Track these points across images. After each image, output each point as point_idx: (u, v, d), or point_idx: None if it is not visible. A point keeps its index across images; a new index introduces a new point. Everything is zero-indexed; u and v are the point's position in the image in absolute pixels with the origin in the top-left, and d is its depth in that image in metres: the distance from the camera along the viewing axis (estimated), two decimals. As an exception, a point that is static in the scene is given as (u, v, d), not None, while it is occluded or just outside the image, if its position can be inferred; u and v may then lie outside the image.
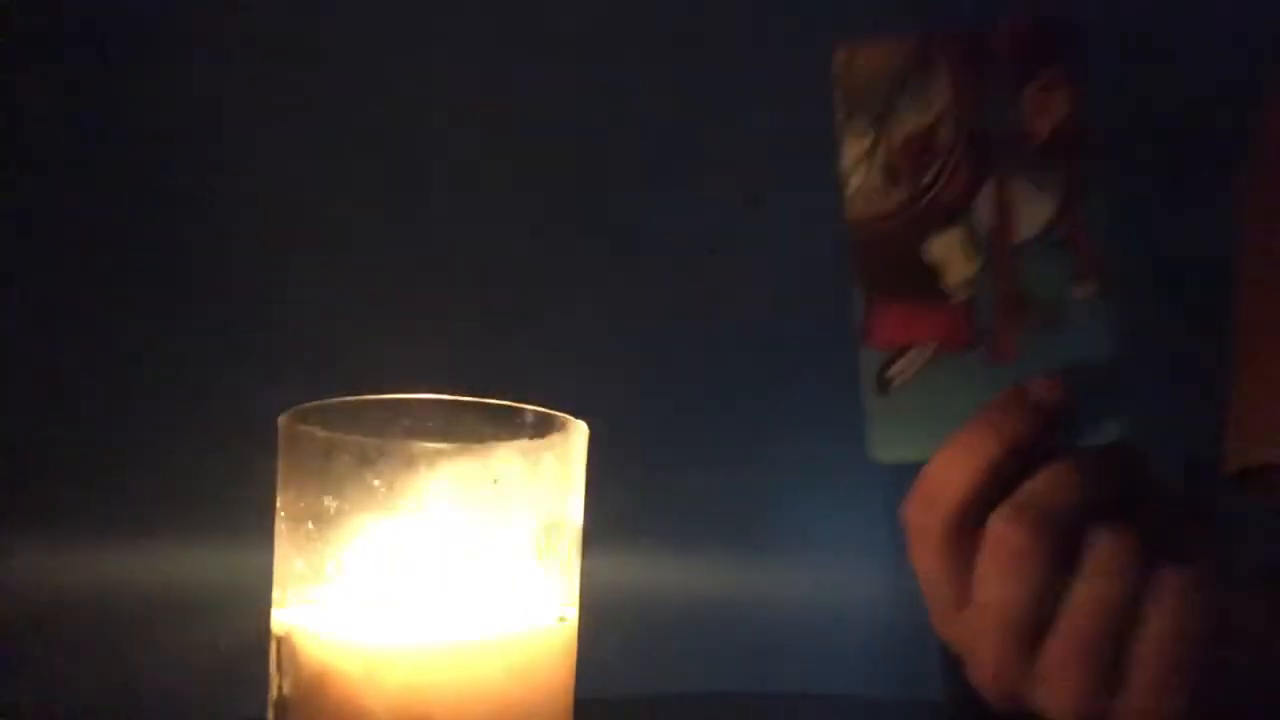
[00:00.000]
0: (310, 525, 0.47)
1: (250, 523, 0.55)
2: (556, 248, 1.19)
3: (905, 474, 0.54)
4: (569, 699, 0.50)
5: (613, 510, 0.63)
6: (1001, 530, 0.48)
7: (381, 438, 0.48)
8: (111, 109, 1.10)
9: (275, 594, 0.49)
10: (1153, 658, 0.48)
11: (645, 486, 1.14)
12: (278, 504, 0.48)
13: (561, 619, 0.49)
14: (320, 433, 0.47)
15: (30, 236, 1.09)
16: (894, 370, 0.52)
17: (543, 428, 0.51)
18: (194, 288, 1.11)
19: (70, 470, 1.08)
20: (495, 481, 0.47)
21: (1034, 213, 0.51)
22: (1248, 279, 0.79)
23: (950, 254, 0.52)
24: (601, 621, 0.56)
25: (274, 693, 0.48)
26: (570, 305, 1.18)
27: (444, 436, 0.50)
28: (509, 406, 0.52)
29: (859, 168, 0.52)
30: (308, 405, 0.49)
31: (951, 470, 0.49)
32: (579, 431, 0.50)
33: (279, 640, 0.48)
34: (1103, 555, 0.48)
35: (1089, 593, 0.48)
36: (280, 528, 0.48)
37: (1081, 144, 0.51)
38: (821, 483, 1.18)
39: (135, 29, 1.10)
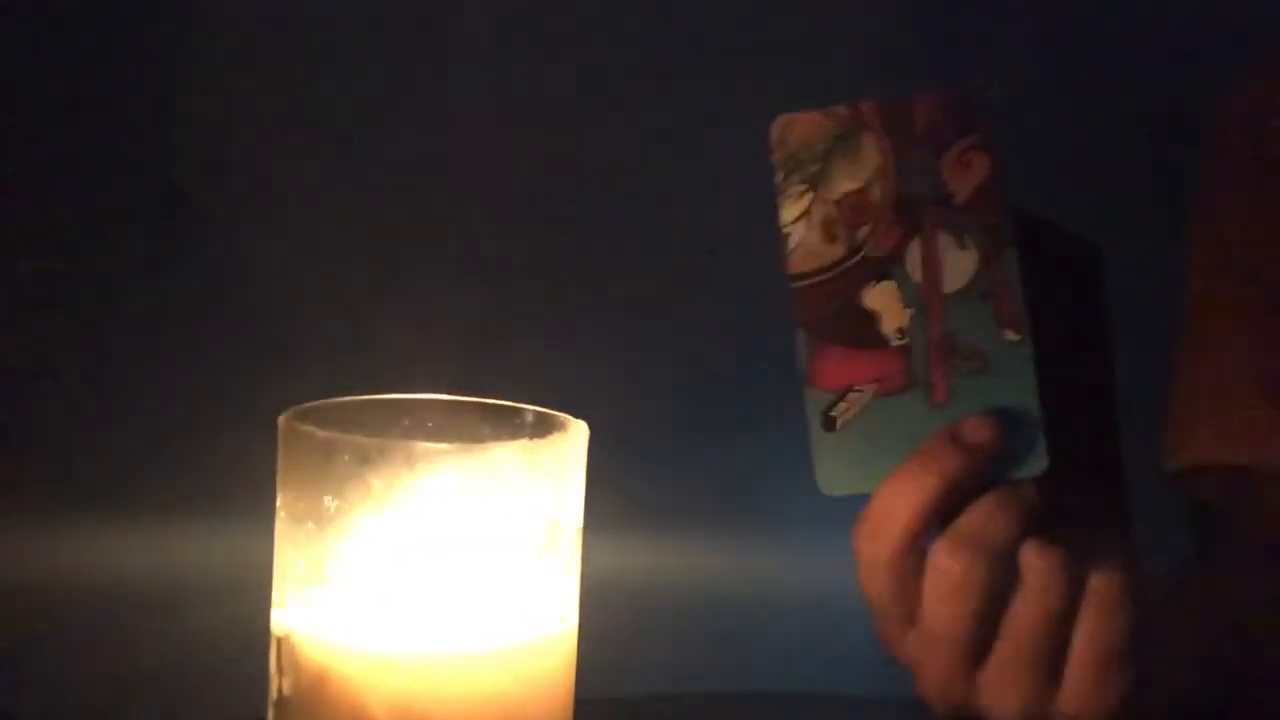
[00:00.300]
0: (310, 525, 0.47)
1: (250, 522, 0.55)
2: (556, 248, 1.19)
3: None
4: (569, 699, 0.50)
5: (613, 510, 0.63)
6: (943, 561, 0.54)
7: (381, 438, 0.48)
8: (113, 106, 1.10)
9: (275, 594, 0.49)
10: (1086, 660, 0.54)
11: (645, 486, 1.14)
12: (278, 504, 0.48)
13: (562, 620, 0.49)
14: (320, 433, 0.47)
15: (32, 234, 1.09)
16: (838, 410, 0.57)
17: (543, 428, 0.51)
18: (194, 287, 1.11)
19: (69, 470, 1.08)
20: (495, 481, 0.47)
21: (958, 268, 0.57)
22: (1193, 285, 0.81)
23: (885, 304, 0.57)
24: (601, 621, 0.56)
25: (274, 693, 0.48)
26: (570, 305, 1.18)
27: (444, 436, 0.50)
28: (509, 406, 0.52)
29: (798, 225, 0.58)
30: (308, 405, 0.49)
31: (895, 504, 0.55)
32: (579, 431, 0.50)
33: (279, 640, 0.48)
34: (1036, 573, 0.54)
35: (1026, 609, 0.54)
36: (280, 528, 0.48)
37: (997, 206, 0.57)
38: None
39: (140, 26, 1.10)
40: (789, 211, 0.58)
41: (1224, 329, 0.81)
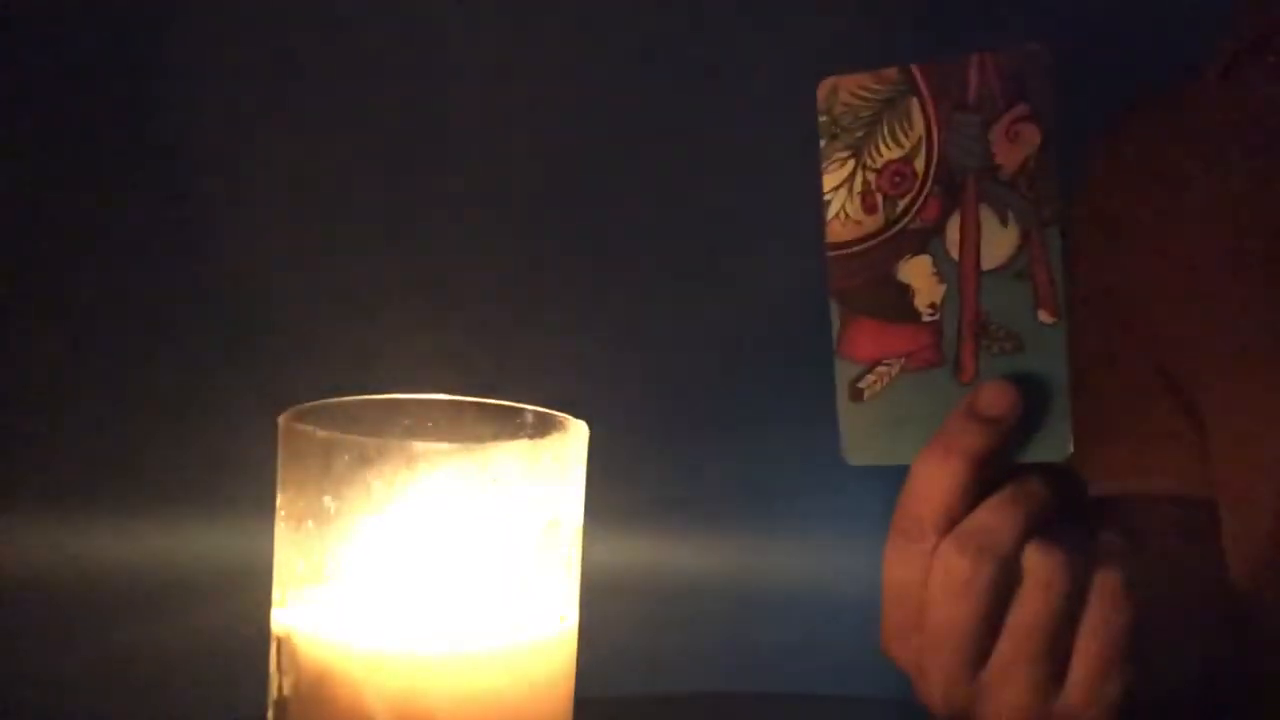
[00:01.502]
0: (310, 525, 0.47)
1: (249, 522, 0.55)
2: (556, 248, 1.19)
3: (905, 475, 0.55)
4: (569, 698, 0.50)
5: (613, 510, 0.63)
6: (950, 559, 0.54)
7: (381, 438, 0.48)
8: (114, 105, 1.10)
9: (275, 594, 0.49)
10: (1089, 658, 0.54)
11: (646, 486, 1.14)
12: (277, 504, 0.48)
13: (562, 619, 0.49)
14: (320, 433, 0.47)
15: (33, 234, 1.09)
16: (865, 381, 0.57)
17: (543, 428, 0.51)
18: (194, 286, 1.11)
19: (68, 470, 1.08)
20: (495, 481, 0.47)
21: (998, 244, 0.55)
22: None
23: (920, 278, 0.56)
24: (601, 621, 0.56)
25: (274, 693, 0.48)
26: (570, 305, 1.18)
27: (444, 436, 0.51)
28: (509, 406, 0.52)
29: (839, 193, 0.57)
30: (307, 405, 0.49)
31: (926, 490, 0.54)
32: (579, 431, 0.50)
33: (279, 640, 0.48)
34: (1039, 571, 0.53)
35: (1028, 607, 0.54)
36: (280, 528, 0.48)
37: (1044, 181, 0.55)
38: (824, 483, 1.18)
39: (142, 26, 1.10)
40: (830, 179, 0.57)
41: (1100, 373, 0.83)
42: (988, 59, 0.55)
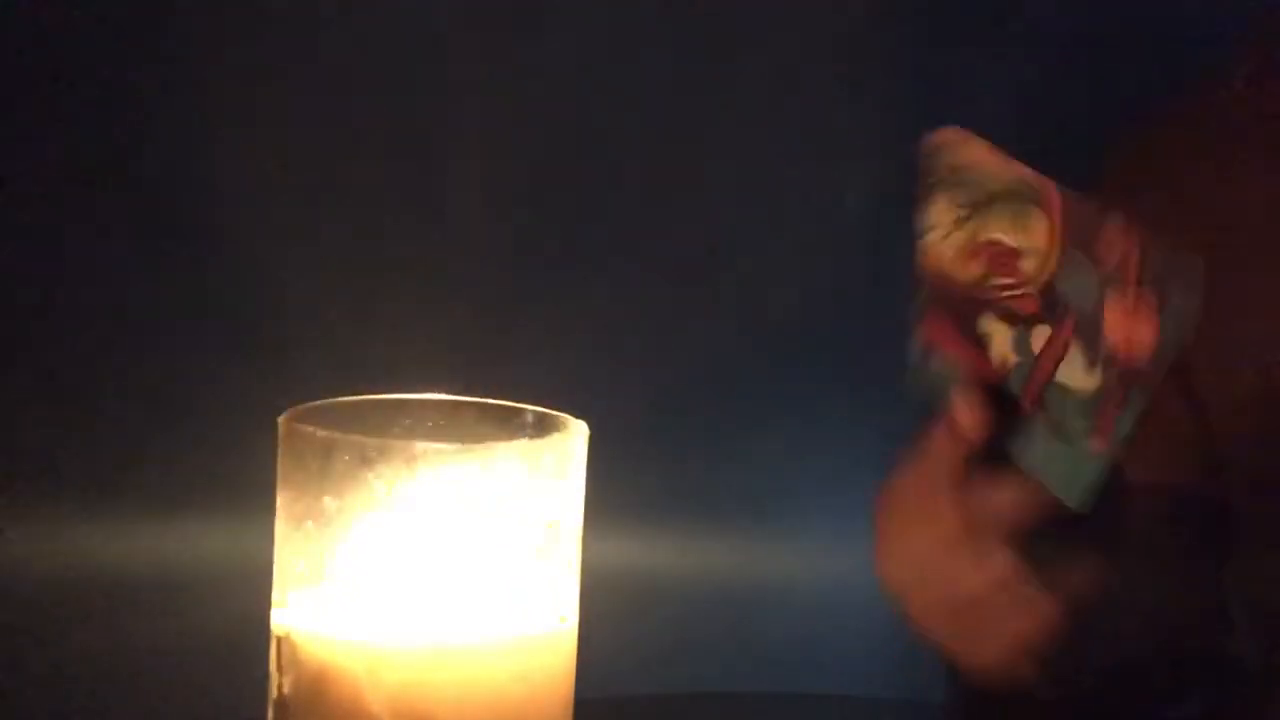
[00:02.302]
0: (310, 525, 0.47)
1: (250, 522, 0.55)
2: (556, 247, 1.19)
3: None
4: (569, 698, 0.50)
5: (613, 510, 0.63)
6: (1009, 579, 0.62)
7: (381, 438, 0.48)
8: (115, 107, 1.10)
9: (275, 594, 0.49)
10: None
11: (645, 486, 1.14)
12: (278, 504, 0.48)
13: (562, 619, 0.49)
14: (320, 433, 0.47)
15: (34, 234, 1.09)
16: (935, 359, 0.59)
17: (543, 428, 0.51)
18: (195, 286, 1.11)
19: (68, 470, 1.08)
20: (495, 482, 0.47)
21: (1076, 375, 0.54)
22: None
23: (999, 341, 0.57)
24: (601, 621, 0.56)
25: (274, 693, 0.48)
26: (571, 305, 1.18)
27: (444, 436, 0.50)
28: (509, 406, 0.52)
29: (941, 226, 0.57)
30: (308, 405, 0.49)
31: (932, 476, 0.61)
32: (579, 431, 0.50)
33: (279, 640, 0.48)
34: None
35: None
36: (280, 528, 0.48)
37: (1149, 361, 0.53)
38: (824, 485, 1.18)
39: (139, 23, 1.10)
40: (931, 217, 0.57)
41: None
42: (1127, 229, 0.54)
